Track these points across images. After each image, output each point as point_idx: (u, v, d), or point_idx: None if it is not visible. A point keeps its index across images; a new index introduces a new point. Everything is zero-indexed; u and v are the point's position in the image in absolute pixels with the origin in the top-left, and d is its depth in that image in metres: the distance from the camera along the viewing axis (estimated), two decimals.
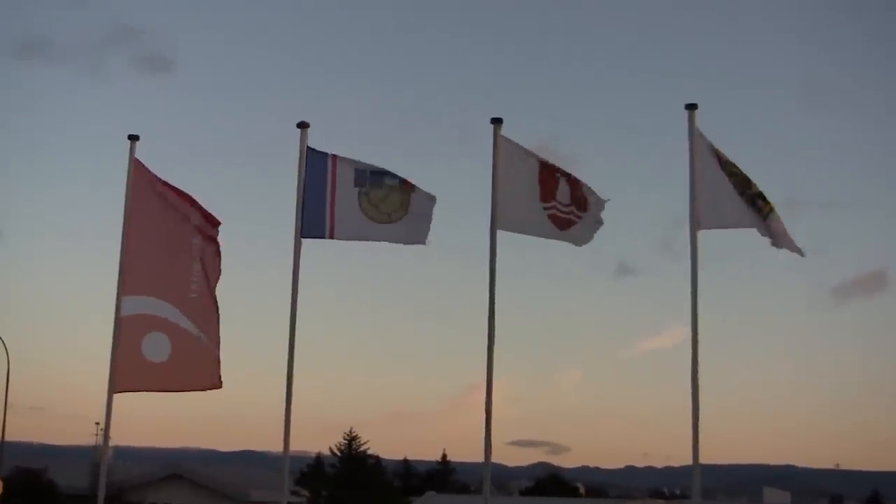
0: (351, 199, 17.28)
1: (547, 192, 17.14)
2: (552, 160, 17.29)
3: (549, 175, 17.20)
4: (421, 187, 17.19)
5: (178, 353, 17.47)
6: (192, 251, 17.73)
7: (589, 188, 17.22)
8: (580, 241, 17.35)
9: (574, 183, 17.19)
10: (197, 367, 17.60)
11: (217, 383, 17.69)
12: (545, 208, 17.11)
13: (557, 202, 17.11)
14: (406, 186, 17.18)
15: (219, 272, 17.88)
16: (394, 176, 17.23)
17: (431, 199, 17.22)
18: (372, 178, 17.29)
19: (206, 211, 17.92)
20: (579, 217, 17.16)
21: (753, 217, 17.03)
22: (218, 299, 17.78)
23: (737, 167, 17.13)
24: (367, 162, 17.33)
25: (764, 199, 17.02)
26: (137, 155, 18.07)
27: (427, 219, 17.18)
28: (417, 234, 17.22)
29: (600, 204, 17.28)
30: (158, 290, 17.57)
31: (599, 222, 17.33)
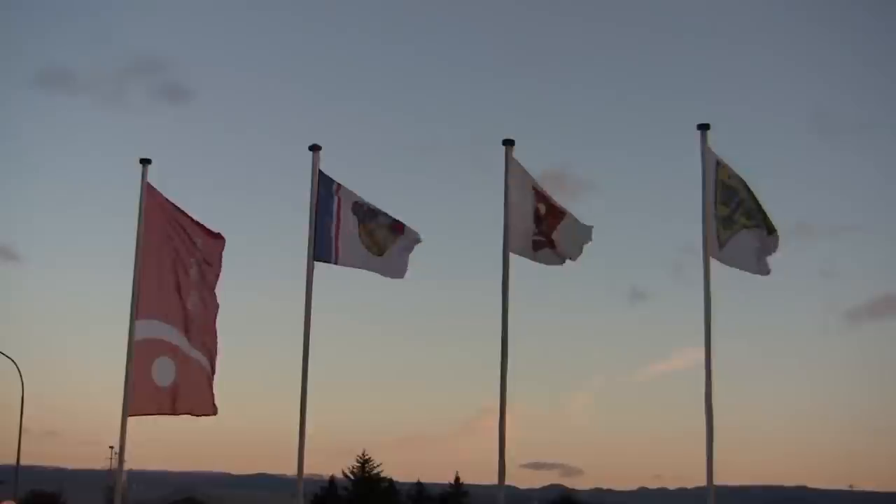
0: (352, 226, 17.54)
1: (538, 219, 17.27)
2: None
3: (540, 203, 17.32)
4: (412, 228, 17.49)
5: (182, 378, 17.62)
6: (193, 274, 17.87)
7: (571, 224, 17.33)
8: (547, 262, 17.52)
9: (551, 217, 17.30)
10: (196, 393, 17.73)
11: (212, 410, 17.82)
12: (534, 234, 17.25)
13: (541, 228, 17.25)
14: (396, 227, 17.49)
15: (215, 277, 18.08)
16: (387, 216, 17.53)
17: (415, 242, 17.54)
18: (367, 213, 17.59)
19: (209, 230, 18.11)
20: (551, 245, 17.29)
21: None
22: (217, 323, 18.05)
23: (736, 176, 17.22)
24: (368, 197, 17.75)
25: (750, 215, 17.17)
26: (150, 179, 18.17)
27: (405, 257, 17.54)
28: (395, 270, 17.59)
29: (585, 234, 17.42)
30: (164, 314, 17.68)
31: (567, 257, 17.47)
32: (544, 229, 17.22)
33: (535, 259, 17.36)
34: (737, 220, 17.16)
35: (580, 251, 17.45)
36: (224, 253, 18.19)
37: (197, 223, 18.06)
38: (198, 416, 17.82)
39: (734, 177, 17.24)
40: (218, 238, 18.16)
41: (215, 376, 17.87)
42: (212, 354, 17.86)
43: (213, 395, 17.81)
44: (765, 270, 17.52)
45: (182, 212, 18.05)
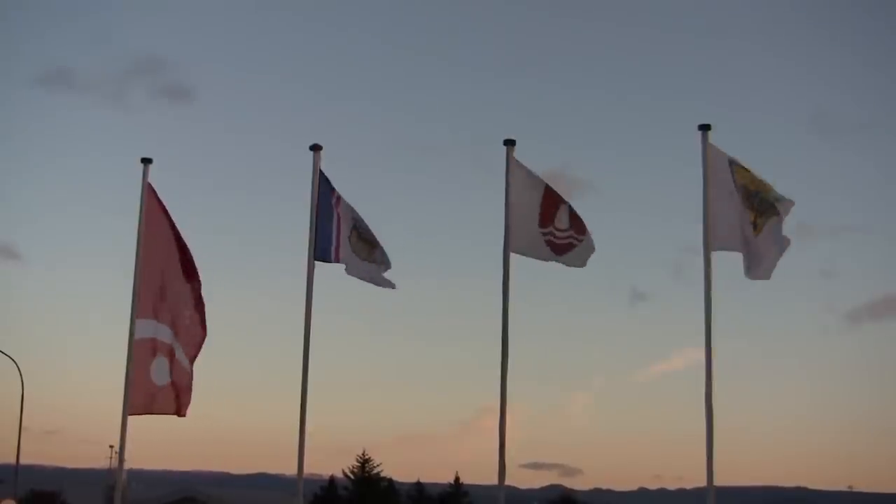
0: (347, 230, 17.73)
1: (546, 218, 17.22)
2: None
3: (552, 200, 17.27)
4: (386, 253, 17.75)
5: (175, 378, 17.74)
6: (188, 278, 17.95)
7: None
8: (575, 264, 17.40)
9: (573, 211, 17.25)
10: (184, 392, 17.80)
11: (183, 411, 17.90)
12: (543, 234, 17.20)
13: (554, 227, 17.19)
14: (376, 245, 17.71)
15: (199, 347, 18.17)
16: (370, 234, 17.72)
17: (386, 265, 17.73)
18: (359, 224, 17.80)
19: (190, 262, 18.18)
20: (578, 241, 17.21)
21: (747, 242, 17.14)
22: (207, 330, 18.14)
23: (751, 175, 17.20)
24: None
25: (765, 211, 17.11)
26: (151, 179, 18.21)
27: (383, 273, 17.73)
28: (385, 280, 17.74)
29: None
30: (160, 313, 17.79)
31: (593, 248, 17.40)
32: (574, 226, 17.20)
33: (556, 260, 17.31)
34: (758, 225, 17.14)
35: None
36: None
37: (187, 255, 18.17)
38: (179, 416, 17.88)
39: (747, 175, 17.22)
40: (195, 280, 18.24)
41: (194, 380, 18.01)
42: (192, 359, 17.94)
43: (190, 398, 17.87)
44: (766, 275, 17.44)
45: (177, 233, 18.15)
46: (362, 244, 17.63)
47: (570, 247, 17.24)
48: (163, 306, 17.81)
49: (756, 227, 17.13)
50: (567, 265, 17.34)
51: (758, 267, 17.22)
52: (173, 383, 17.65)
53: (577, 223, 17.22)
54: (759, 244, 17.16)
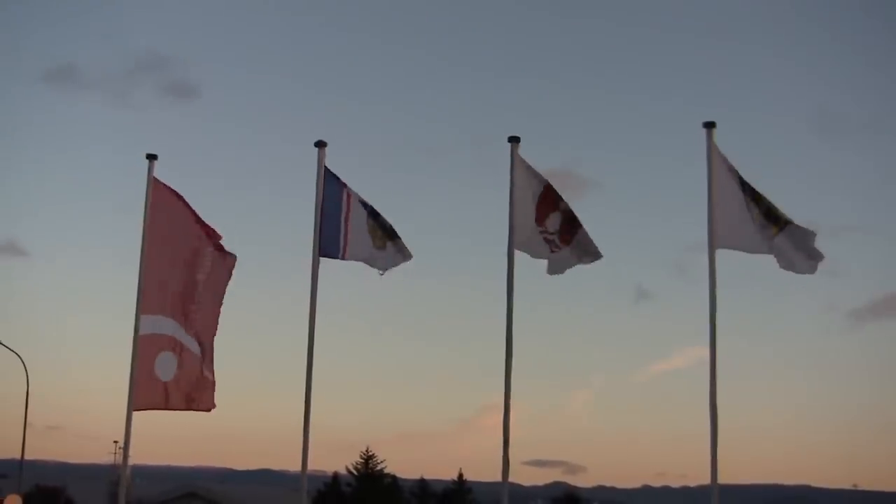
0: (361, 221, 17.57)
1: (541, 216, 17.17)
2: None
3: (549, 201, 17.23)
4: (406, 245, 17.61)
5: (182, 373, 17.69)
6: (201, 267, 17.88)
7: (585, 237, 17.24)
8: (554, 270, 17.37)
9: (568, 220, 17.22)
10: (196, 389, 17.78)
11: (210, 405, 17.86)
12: (539, 231, 17.19)
13: (546, 227, 17.15)
14: (394, 232, 17.57)
15: (224, 288, 18.04)
16: (386, 226, 17.58)
17: (405, 256, 17.62)
18: (371, 211, 17.65)
19: (208, 227, 18.10)
20: (558, 248, 17.16)
21: (764, 241, 16.97)
22: (220, 317, 18.08)
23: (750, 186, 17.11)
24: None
25: (775, 217, 16.93)
26: (157, 174, 18.18)
27: (397, 260, 17.60)
28: (392, 262, 17.61)
29: (588, 252, 17.32)
30: (168, 308, 17.76)
31: (575, 263, 17.34)
32: (564, 229, 17.15)
33: (549, 259, 17.27)
34: (780, 217, 16.95)
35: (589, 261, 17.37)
36: (228, 250, 18.21)
37: (211, 232, 18.07)
38: (197, 411, 17.85)
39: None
40: (229, 256, 18.14)
41: (214, 373, 17.93)
42: (209, 351, 17.88)
43: (213, 391, 17.85)
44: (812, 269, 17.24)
45: (195, 215, 18.07)
46: (378, 231, 17.53)
47: (553, 248, 17.21)
48: (173, 302, 17.77)
49: (772, 225, 16.96)
50: (548, 263, 17.30)
51: (799, 262, 17.03)
52: (181, 379, 17.61)
53: (564, 233, 17.17)
54: (781, 243, 16.98)
